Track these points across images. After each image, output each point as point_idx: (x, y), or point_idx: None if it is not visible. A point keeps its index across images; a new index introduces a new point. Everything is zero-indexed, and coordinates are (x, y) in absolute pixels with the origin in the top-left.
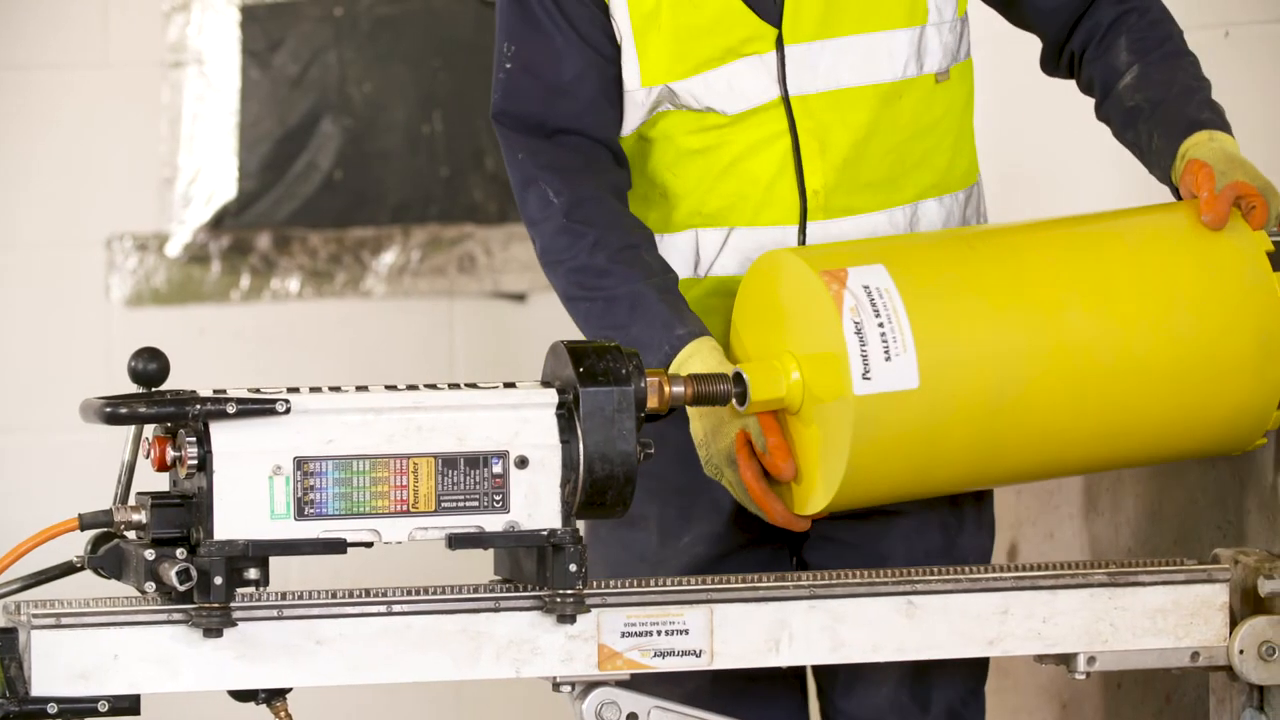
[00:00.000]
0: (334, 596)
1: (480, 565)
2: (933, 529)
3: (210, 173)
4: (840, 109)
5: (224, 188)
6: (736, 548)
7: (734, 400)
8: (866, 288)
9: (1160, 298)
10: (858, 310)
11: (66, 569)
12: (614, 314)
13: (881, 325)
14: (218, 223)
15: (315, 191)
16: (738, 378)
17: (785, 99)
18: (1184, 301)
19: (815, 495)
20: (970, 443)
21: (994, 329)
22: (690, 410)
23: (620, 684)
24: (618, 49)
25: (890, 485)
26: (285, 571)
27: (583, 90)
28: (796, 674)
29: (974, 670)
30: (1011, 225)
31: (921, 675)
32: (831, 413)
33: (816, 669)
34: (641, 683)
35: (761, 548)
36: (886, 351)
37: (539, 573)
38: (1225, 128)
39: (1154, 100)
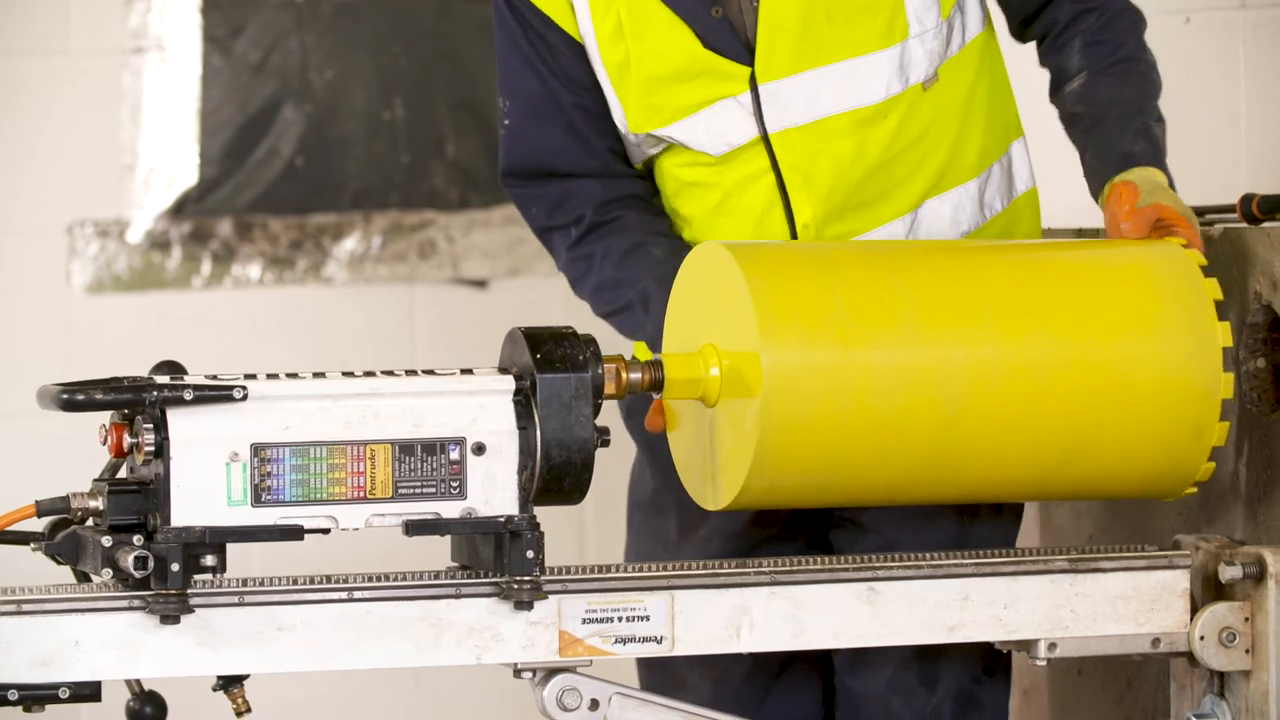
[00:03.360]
0: (295, 583)
1: (437, 552)
2: (945, 517)
3: (171, 159)
4: (822, 140)
5: (185, 174)
6: (755, 544)
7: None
8: None
9: (1086, 332)
10: None
11: (23, 538)
12: (634, 318)
13: None
14: (179, 209)
15: (276, 178)
16: (656, 365)
17: (764, 137)
18: (1110, 337)
19: (723, 490)
20: (873, 456)
21: (908, 344)
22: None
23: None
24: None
25: (800, 490)
26: (246, 558)
27: (579, 135)
28: (817, 659)
29: (989, 649)
30: (950, 243)
31: (930, 654)
32: (743, 409)
33: (827, 657)
34: (675, 676)
35: (782, 544)
36: None
37: (496, 559)
38: (1157, 158)
39: (1094, 116)
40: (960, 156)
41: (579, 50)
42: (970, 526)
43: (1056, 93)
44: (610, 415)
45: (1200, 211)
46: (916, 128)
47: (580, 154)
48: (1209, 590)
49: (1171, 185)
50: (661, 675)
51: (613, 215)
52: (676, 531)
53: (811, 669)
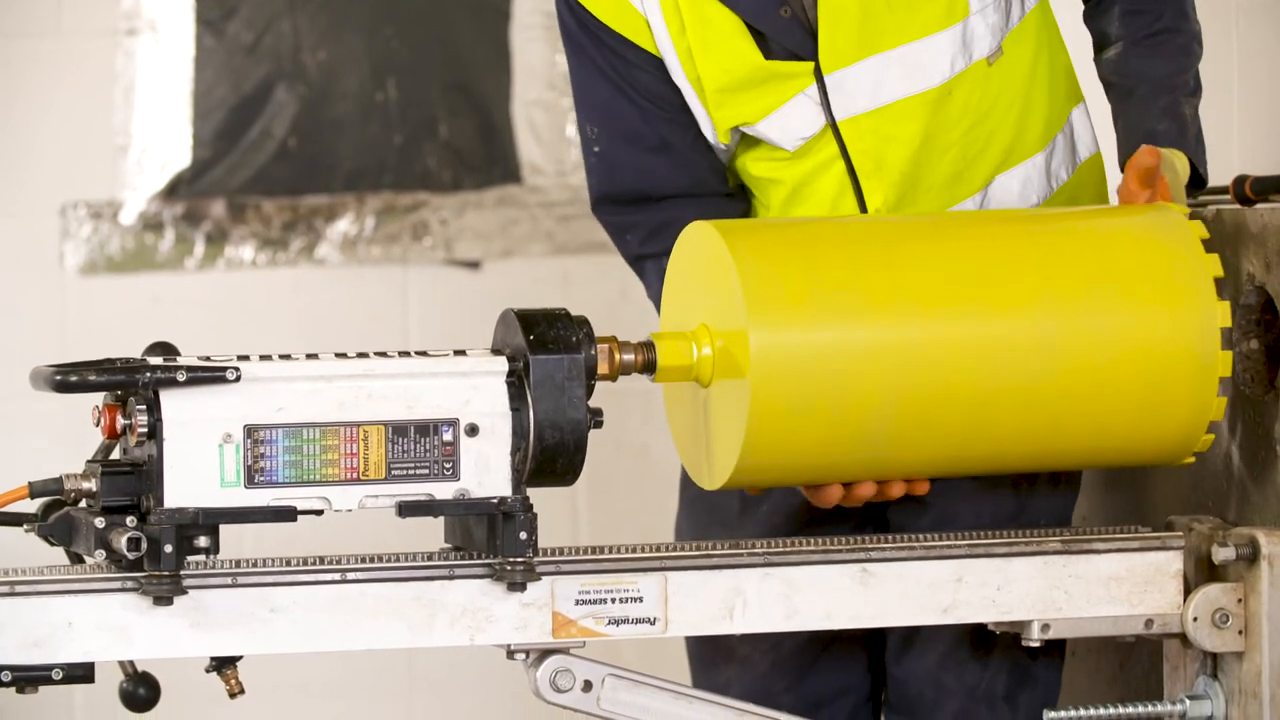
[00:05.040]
0: (288, 564)
1: (430, 534)
2: (1003, 491)
3: (164, 141)
4: (890, 124)
5: (178, 156)
6: (818, 520)
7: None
8: None
9: (1080, 303)
10: None
11: (16, 519)
12: None
13: None
14: (172, 191)
15: (269, 159)
16: (649, 346)
17: (833, 125)
18: (1110, 303)
19: (718, 469)
20: (867, 433)
21: (900, 320)
22: None
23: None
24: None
25: (796, 468)
26: (239, 540)
27: (674, 152)
28: (865, 634)
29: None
30: (945, 216)
31: (983, 630)
32: (734, 389)
33: (875, 632)
34: (711, 661)
35: (845, 520)
36: None
37: (489, 541)
38: (1181, 137)
39: (1126, 89)
40: (1027, 130)
41: (659, 66)
42: (1029, 499)
43: (1097, 57)
44: (601, 397)
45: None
46: (984, 104)
47: (675, 172)
48: (1202, 571)
49: (1200, 164)
50: (712, 645)
51: None
52: (738, 510)
53: (856, 643)
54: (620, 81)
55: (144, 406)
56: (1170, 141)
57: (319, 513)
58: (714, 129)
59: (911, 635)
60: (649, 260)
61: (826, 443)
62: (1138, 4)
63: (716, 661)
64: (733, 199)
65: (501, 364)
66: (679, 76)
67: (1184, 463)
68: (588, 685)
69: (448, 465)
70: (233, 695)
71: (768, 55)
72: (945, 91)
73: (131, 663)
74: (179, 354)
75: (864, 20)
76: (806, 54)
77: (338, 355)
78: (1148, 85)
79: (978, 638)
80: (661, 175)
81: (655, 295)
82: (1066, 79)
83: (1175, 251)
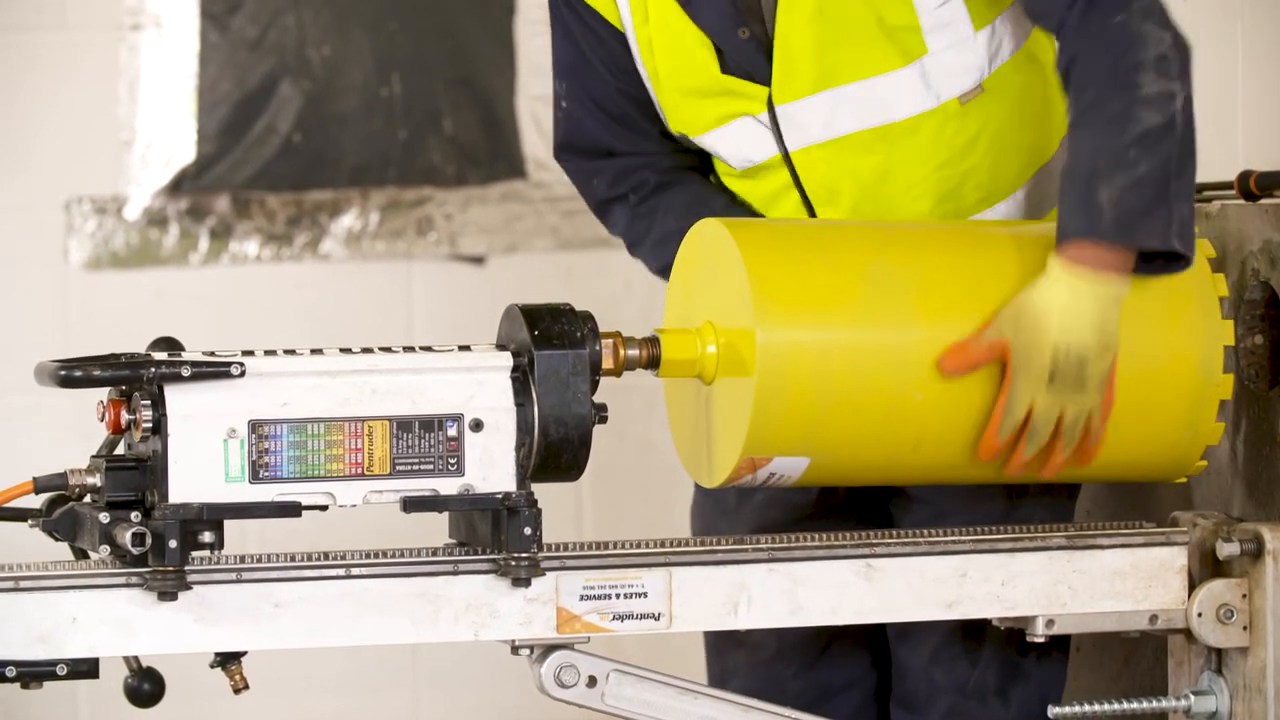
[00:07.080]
0: (292, 560)
1: (435, 529)
2: (995, 491)
3: (169, 136)
4: (844, 157)
5: (182, 151)
6: (817, 514)
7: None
8: None
9: None
10: None
11: (21, 514)
12: None
13: None
14: (176, 186)
15: (273, 154)
16: (654, 342)
17: (785, 156)
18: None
19: (717, 466)
20: (868, 436)
21: (905, 324)
22: None
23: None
24: None
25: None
26: (243, 535)
27: (630, 123)
28: (864, 634)
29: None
30: (954, 224)
31: (975, 625)
32: (738, 387)
33: (877, 628)
34: (723, 648)
35: (844, 515)
36: None
37: (494, 536)
38: (1093, 229)
39: (1060, 175)
40: (1003, 170)
41: (625, 42)
42: (1018, 504)
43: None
44: (606, 393)
45: (1199, 188)
46: (960, 140)
47: (636, 138)
48: (1207, 567)
49: (1150, 240)
50: (726, 632)
51: (676, 178)
52: (735, 499)
53: (860, 641)
54: (589, 50)
55: (149, 402)
56: (1083, 233)
57: (323, 508)
58: (666, 120)
59: (905, 629)
60: (616, 203)
61: (828, 443)
62: (1076, 80)
63: (727, 648)
64: (694, 170)
65: (506, 359)
66: (639, 63)
67: (1176, 482)
68: (592, 681)
69: (452, 461)
70: (237, 691)
71: (724, 69)
72: (909, 128)
73: (136, 658)
74: (183, 349)
75: (819, 55)
76: (762, 79)
77: (342, 351)
78: (1067, 176)
79: (968, 633)
80: (624, 139)
81: (623, 230)
82: (1061, 111)
83: (1183, 281)
